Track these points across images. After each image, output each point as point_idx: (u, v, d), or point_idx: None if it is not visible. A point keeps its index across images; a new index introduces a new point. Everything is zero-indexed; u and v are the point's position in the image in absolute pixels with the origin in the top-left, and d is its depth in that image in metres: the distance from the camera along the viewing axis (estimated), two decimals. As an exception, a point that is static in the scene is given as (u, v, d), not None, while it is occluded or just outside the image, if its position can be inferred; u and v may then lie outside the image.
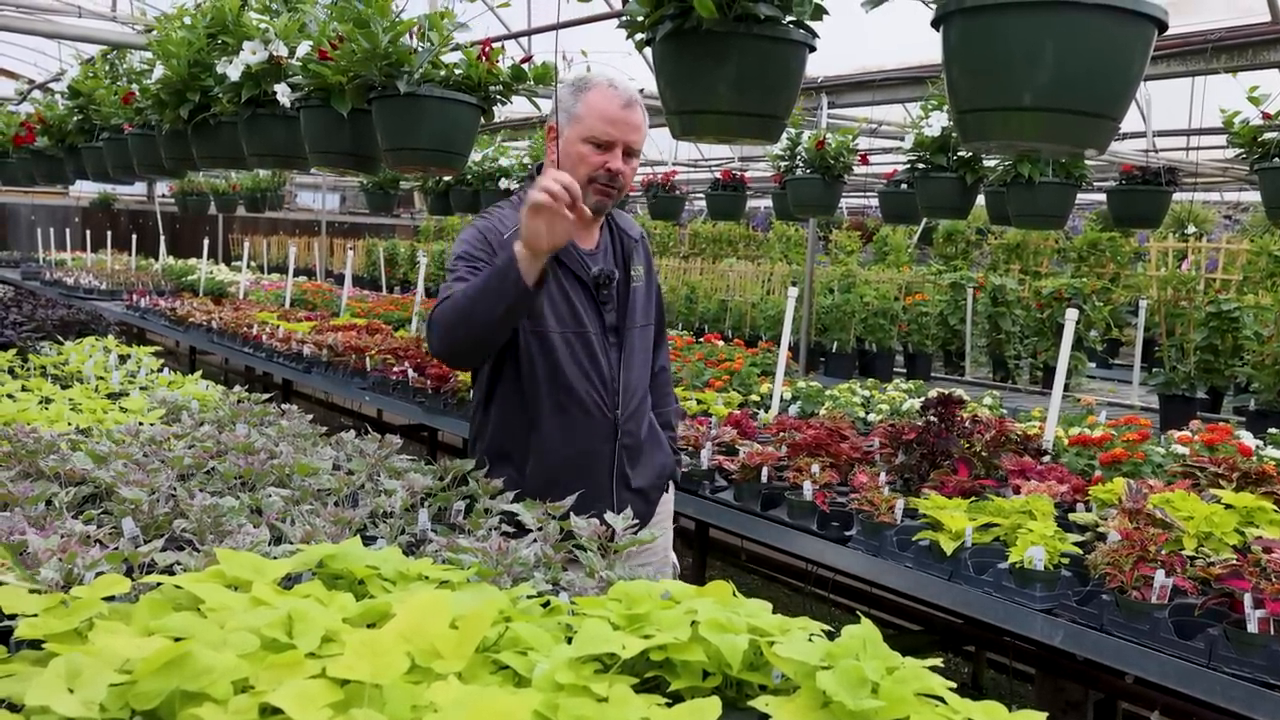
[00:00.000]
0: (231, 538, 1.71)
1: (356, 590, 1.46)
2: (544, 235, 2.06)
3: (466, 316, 2.20)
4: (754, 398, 4.82)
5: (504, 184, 7.73)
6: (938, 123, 5.10)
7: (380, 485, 2.15)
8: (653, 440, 2.59)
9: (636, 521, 1.82)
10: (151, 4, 6.61)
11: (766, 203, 14.01)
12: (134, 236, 13.94)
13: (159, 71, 3.95)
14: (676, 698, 1.22)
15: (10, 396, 3.07)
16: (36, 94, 7.48)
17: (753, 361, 5.38)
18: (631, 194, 11.91)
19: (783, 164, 6.19)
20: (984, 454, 3.14)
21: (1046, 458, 3.28)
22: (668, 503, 2.73)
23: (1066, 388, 4.63)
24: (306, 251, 16.66)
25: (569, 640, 1.27)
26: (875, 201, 6.63)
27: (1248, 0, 4.81)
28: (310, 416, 2.88)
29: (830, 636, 1.29)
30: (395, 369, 4.85)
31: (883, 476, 3.00)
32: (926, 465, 3.07)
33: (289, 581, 1.48)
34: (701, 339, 6.53)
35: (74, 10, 6.31)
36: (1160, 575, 2.19)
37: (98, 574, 1.47)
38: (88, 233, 13.75)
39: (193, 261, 12.35)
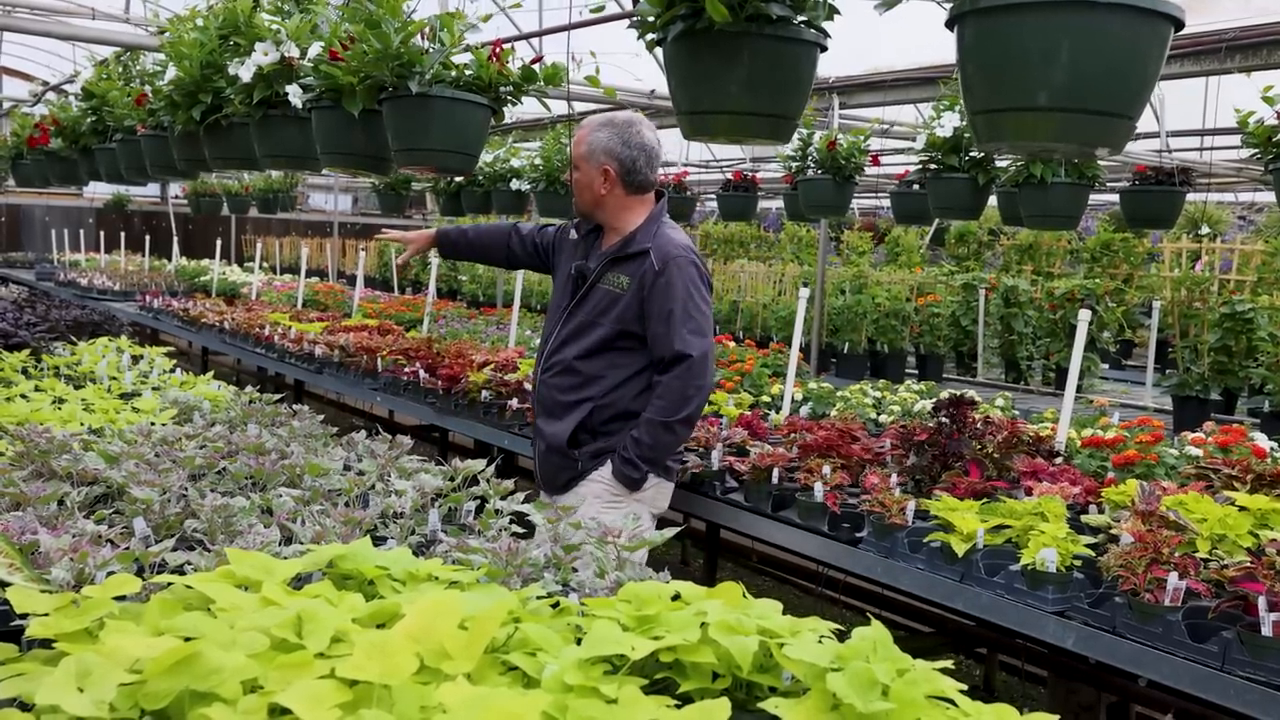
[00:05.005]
0: (242, 538, 1.71)
1: (366, 591, 1.46)
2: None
3: None
4: (765, 399, 4.81)
5: (515, 185, 7.72)
6: (950, 123, 5.08)
7: (391, 486, 2.15)
8: (564, 413, 3.01)
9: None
10: (164, 6, 6.64)
11: (778, 203, 14.01)
12: (147, 237, 14.03)
13: (171, 73, 3.97)
14: (686, 699, 1.21)
15: (24, 396, 3.08)
16: (50, 96, 7.52)
17: (764, 362, 5.37)
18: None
19: (794, 165, 6.18)
20: (996, 455, 3.13)
21: (1059, 459, 3.26)
22: (597, 482, 2.98)
23: (1079, 389, 4.60)
24: (319, 252, 16.69)
25: (578, 641, 1.27)
26: (887, 202, 6.60)
27: (1262, 0, 4.79)
28: (321, 417, 2.89)
29: (841, 638, 1.28)
30: (406, 370, 4.86)
31: (894, 478, 2.99)
32: (938, 467, 3.06)
33: (299, 582, 1.49)
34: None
35: (88, 12, 6.35)
36: (1173, 578, 2.18)
37: (109, 574, 1.48)
38: (101, 234, 13.80)
39: (206, 262, 12.40)
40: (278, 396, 3.18)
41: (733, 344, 6.24)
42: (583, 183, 3.02)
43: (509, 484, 2.16)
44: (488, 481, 2.18)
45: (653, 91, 6.89)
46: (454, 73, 3.22)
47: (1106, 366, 8.15)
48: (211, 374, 4.21)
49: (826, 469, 3.09)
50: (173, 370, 3.93)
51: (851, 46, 4.83)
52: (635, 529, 1.84)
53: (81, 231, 15.39)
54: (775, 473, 3.16)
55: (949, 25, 1.89)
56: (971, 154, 5.12)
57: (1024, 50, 1.70)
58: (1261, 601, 2.03)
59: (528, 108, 3.69)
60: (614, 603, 1.37)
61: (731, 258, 13.07)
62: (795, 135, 5.50)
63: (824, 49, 2.34)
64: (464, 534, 1.90)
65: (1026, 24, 1.69)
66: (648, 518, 3.00)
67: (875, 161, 6.04)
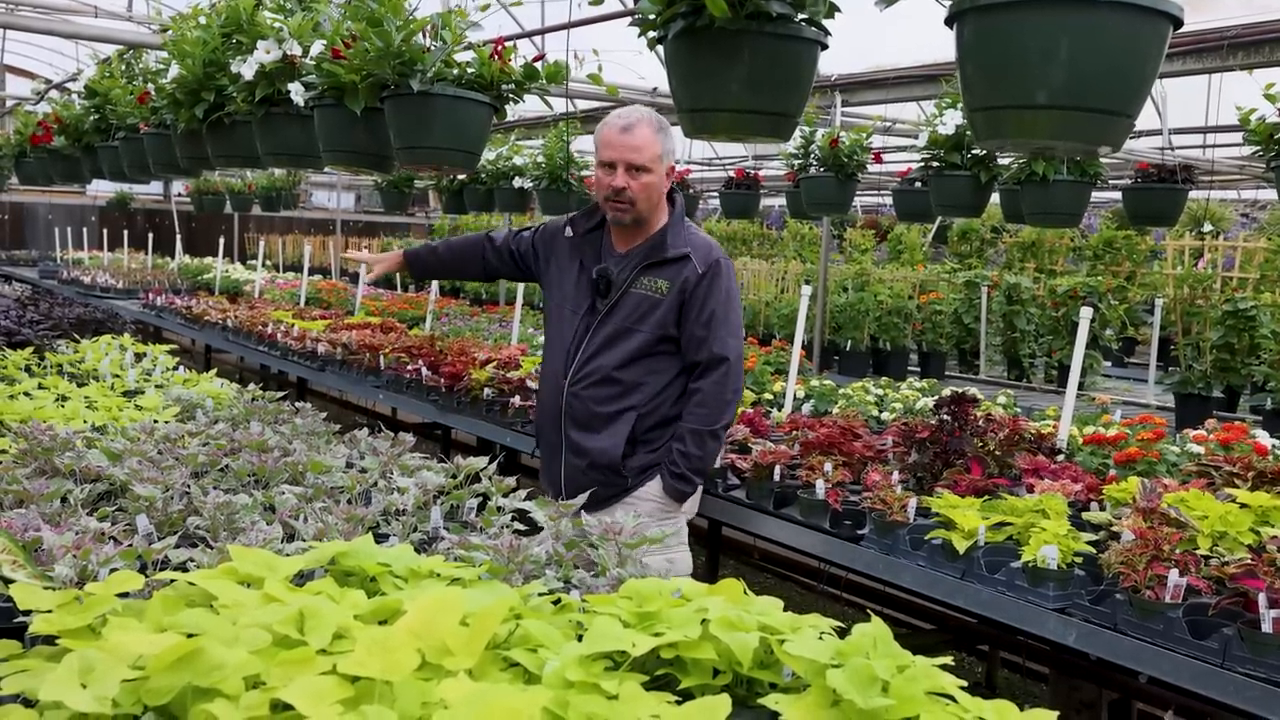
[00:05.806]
0: (244, 535, 1.72)
1: (368, 587, 1.46)
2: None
3: None
4: (767, 396, 4.81)
5: (517, 183, 7.73)
6: (952, 121, 5.08)
7: (393, 483, 2.16)
8: (605, 425, 2.88)
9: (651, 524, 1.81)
10: (167, 4, 6.64)
11: (780, 201, 14.00)
12: (150, 235, 14.02)
13: (174, 71, 3.97)
14: (687, 695, 1.22)
15: (27, 394, 3.09)
16: (54, 94, 7.52)
17: (766, 360, 5.37)
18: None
19: (797, 162, 6.18)
20: (997, 453, 3.13)
21: (1060, 457, 3.26)
22: (649, 500, 2.87)
23: (1081, 386, 4.60)
24: (321, 250, 16.71)
25: (580, 638, 1.27)
26: (889, 200, 6.60)
27: (1264, -3, 4.78)
28: (324, 415, 2.90)
29: (841, 635, 1.29)
30: (409, 367, 4.86)
31: (895, 475, 3.00)
32: (940, 464, 3.06)
33: (301, 578, 1.49)
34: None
35: (90, 10, 6.35)
36: (1174, 574, 2.18)
37: (112, 570, 1.48)
38: (105, 232, 13.81)
39: (208, 260, 12.42)
40: (280, 394, 3.18)
41: (735, 341, 6.22)
42: (653, 184, 2.86)
43: (511, 481, 2.17)
44: (490, 479, 2.18)
45: (655, 89, 6.88)
46: (456, 70, 3.23)
47: (1109, 364, 8.15)
48: (214, 372, 4.22)
49: (828, 466, 3.09)
50: (175, 368, 3.93)
51: (854, 45, 4.83)
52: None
53: (84, 229, 15.38)
54: (777, 470, 3.16)
55: (948, 23, 1.90)
56: (974, 152, 5.12)
57: (1023, 48, 1.70)
58: (1262, 598, 2.04)
59: (530, 105, 3.69)
60: (615, 599, 1.38)
61: (734, 255, 13.05)
62: (798, 133, 5.50)
63: (824, 47, 2.34)
64: (466, 531, 1.90)
65: (1025, 22, 1.70)
66: (684, 521, 2.99)
67: (877, 159, 6.05)
